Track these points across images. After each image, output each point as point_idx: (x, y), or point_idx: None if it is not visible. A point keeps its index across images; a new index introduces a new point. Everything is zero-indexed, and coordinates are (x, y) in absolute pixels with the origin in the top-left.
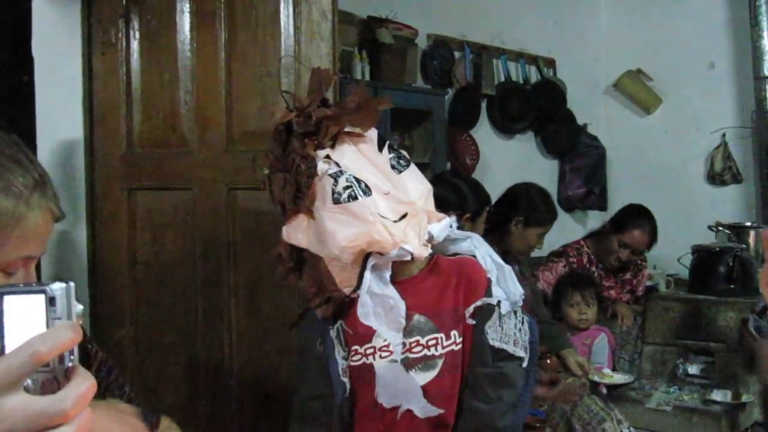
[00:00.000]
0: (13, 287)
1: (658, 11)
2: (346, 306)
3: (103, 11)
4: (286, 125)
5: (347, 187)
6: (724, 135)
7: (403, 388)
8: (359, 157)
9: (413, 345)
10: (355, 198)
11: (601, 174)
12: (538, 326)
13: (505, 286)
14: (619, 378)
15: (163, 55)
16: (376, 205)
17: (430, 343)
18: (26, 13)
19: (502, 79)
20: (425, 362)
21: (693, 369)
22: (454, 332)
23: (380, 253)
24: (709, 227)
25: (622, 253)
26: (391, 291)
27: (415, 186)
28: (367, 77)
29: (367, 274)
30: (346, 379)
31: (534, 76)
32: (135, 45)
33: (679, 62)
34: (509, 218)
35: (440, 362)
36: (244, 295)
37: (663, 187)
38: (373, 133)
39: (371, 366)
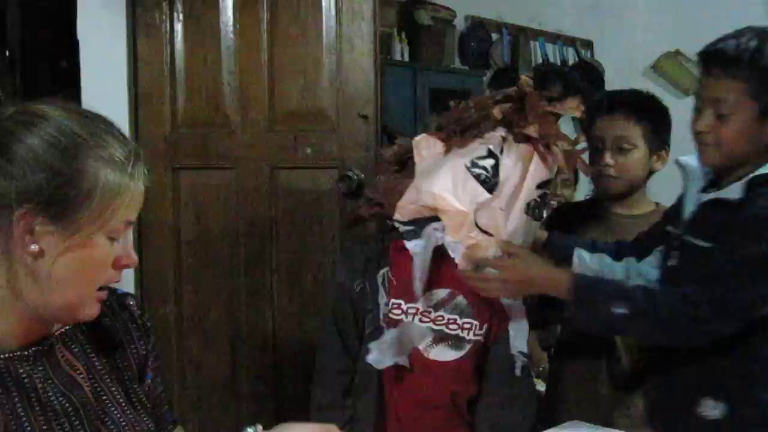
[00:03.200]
0: None
1: None
2: (396, 254)
3: None
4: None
5: (485, 169)
6: None
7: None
8: (519, 164)
9: (451, 322)
10: (481, 181)
11: None
12: None
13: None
14: None
15: (206, 37)
16: (483, 204)
17: (466, 326)
18: None
19: (540, 60)
20: (456, 342)
21: None
22: (486, 326)
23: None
24: None
25: None
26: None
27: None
28: (407, 58)
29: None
30: (384, 326)
31: (572, 58)
32: (179, 27)
33: None
34: None
35: (468, 346)
36: (286, 273)
37: None
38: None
39: (409, 324)
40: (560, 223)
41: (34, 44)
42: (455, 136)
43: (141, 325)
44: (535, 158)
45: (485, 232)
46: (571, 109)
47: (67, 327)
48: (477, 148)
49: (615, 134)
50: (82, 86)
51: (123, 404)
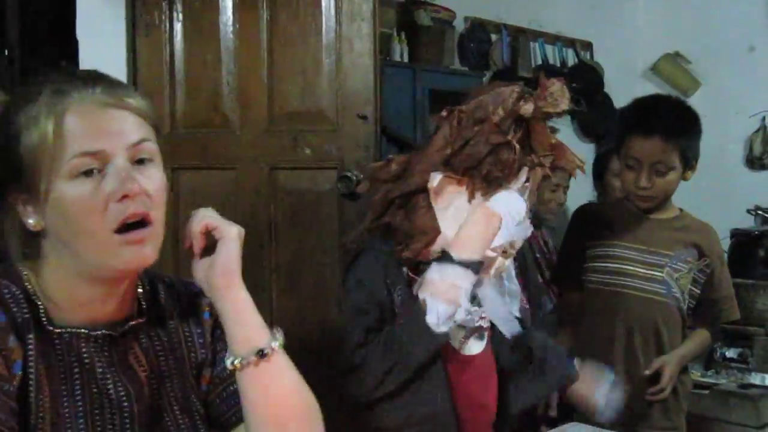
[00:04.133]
0: None
1: None
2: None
3: None
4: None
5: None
6: (763, 119)
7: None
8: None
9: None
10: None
11: None
12: None
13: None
14: None
15: (205, 37)
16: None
17: (483, 315)
18: None
19: (539, 62)
20: (480, 332)
21: (730, 353)
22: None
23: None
24: (748, 211)
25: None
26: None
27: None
28: (406, 59)
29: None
30: None
31: (571, 59)
32: (178, 26)
33: (719, 45)
34: None
35: (486, 335)
36: (285, 273)
37: (701, 170)
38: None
39: None
40: (585, 224)
41: (34, 43)
42: (477, 182)
43: (208, 329)
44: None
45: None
46: (555, 102)
47: (141, 320)
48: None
49: (653, 158)
50: None
51: (178, 412)
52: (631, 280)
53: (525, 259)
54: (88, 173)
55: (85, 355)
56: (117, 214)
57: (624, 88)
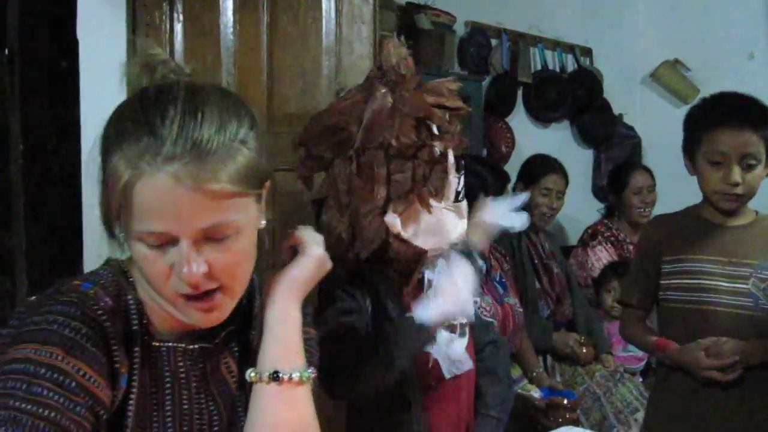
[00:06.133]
0: None
1: (697, 1)
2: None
3: None
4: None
5: (463, 186)
6: None
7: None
8: None
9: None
10: (464, 198)
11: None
12: None
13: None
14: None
15: (205, 38)
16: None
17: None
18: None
19: (539, 67)
20: (462, 329)
21: None
22: None
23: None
24: None
25: (640, 197)
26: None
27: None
28: None
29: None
30: None
31: (571, 65)
32: (178, 27)
33: (718, 52)
34: (515, 189)
35: (467, 329)
36: None
37: None
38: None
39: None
40: (658, 237)
41: (34, 44)
42: (423, 194)
43: None
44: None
45: None
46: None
47: (232, 327)
48: (451, 184)
49: (744, 150)
50: (81, 86)
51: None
52: (715, 296)
53: (523, 264)
54: (154, 244)
55: (181, 370)
56: (179, 286)
57: (623, 94)
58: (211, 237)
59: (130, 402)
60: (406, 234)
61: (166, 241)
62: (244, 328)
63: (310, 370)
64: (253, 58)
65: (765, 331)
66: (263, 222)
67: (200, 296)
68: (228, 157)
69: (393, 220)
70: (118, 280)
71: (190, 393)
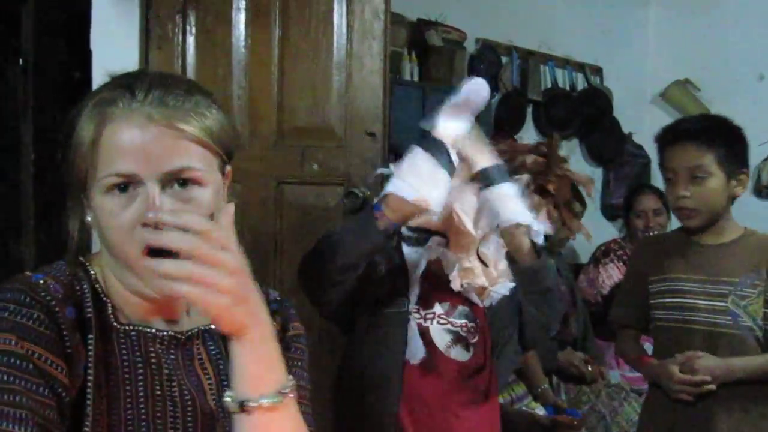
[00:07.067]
0: None
1: (707, 21)
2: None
3: (161, 7)
4: None
5: None
6: None
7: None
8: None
9: (463, 326)
10: None
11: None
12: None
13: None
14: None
15: (217, 51)
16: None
17: (471, 329)
18: (83, 10)
19: (549, 85)
20: (467, 343)
21: None
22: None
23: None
24: None
25: (644, 221)
26: None
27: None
28: (416, 78)
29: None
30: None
31: (580, 83)
32: (191, 40)
33: (728, 73)
34: None
35: (473, 347)
36: (290, 287)
37: None
38: None
39: (427, 329)
40: (645, 257)
41: (48, 55)
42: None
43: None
44: (543, 213)
45: (482, 261)
46: (583, 183)
47: (212, 325)
48: None
49: (688, 164)
50: None
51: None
52: (695, 314)
53: None
54: (121, 188)
55: (152, 355)
56: (143, 237)
57: (633, 113)
58: (175, 179)
59: (88, 389)
60: None
61: (132, 184)
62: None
63: (288, 388)
64: (265, 71)
65: (744, 349)
66: (227, 203)
67: (161, 254)
68: (197, 112)
69: None
70: (73, 270)
71: (161, 378)
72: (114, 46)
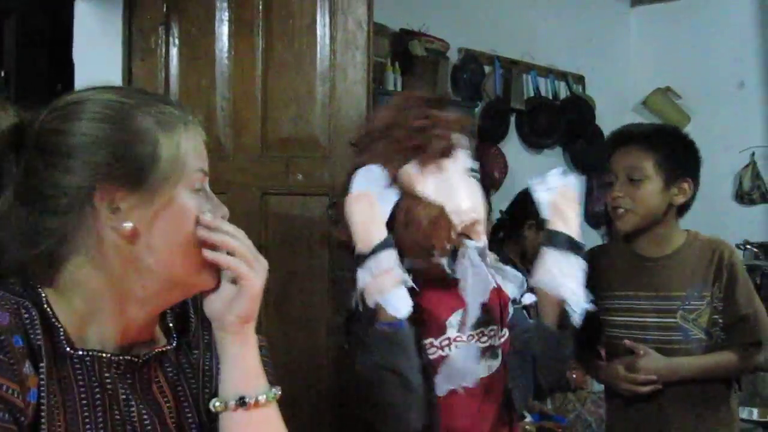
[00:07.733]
0: None
1: (688, 30)
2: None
3: (144, 18)
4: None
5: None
6: (753, 154)
7: (465, 370)
8: None
9: (479, 335)
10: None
11: None
12: None
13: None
14: None
15: (201, 62)
16: None
17: (492, 333)
18: (66, 22)
19: (532, 94)
20: (492, 351)
21: None
22: (504, 328)
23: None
24: (737, 246)
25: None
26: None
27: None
28: (399, 88)
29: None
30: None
31: (563, 92)
32: (174, 52)
33: (709, 81)
34: (522, 223)
35: (500, 351)
36: (274, 299)
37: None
38: None
39: (447, 357)
40: (594, 271)
41: (30, 67)
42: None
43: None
44: None
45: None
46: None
47: (168, 347)
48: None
49: (625, 164)
50: None
51: None
52: (645, 333)
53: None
54: (198, 190)
55: (108, 381)
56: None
57: (615, 121)
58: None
59: (42, 418)
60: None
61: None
62: (177, 349)
63: (274, 390)
64: (248, 83)
65: None
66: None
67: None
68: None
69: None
70: (18, 298)
71: (118, 403)
72: (97, 57)
